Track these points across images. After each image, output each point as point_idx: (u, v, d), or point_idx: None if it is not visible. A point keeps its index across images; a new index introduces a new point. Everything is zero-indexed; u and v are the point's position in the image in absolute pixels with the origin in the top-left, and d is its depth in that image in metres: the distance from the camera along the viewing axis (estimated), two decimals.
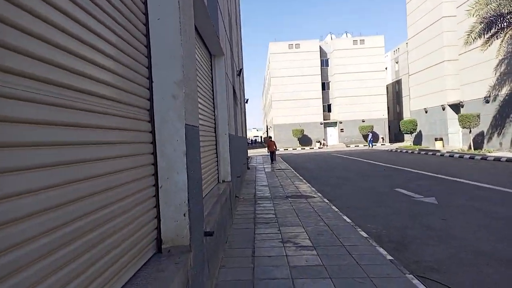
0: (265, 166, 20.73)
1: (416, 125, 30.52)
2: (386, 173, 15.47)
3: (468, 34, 19.59)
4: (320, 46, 50.76)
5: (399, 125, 55.74)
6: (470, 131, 21.92)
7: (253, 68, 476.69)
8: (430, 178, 13.28)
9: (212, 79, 7.44)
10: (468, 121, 21.50)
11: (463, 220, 7.08)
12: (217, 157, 7.55)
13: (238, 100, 12.34)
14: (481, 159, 19.05)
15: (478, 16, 18.96)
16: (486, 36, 19.13)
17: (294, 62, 49.22)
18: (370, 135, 44.34)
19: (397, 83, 56.11)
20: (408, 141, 49.03)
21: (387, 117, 50.43)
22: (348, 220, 7.05)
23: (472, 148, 22.05)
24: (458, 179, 12.43)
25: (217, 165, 7.58)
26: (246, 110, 20.89)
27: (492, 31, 18.76)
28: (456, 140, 27.36)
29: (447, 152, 23.41)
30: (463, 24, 24.21)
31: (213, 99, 7.53)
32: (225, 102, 7.66)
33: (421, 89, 31.13)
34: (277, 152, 24.85)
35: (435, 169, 15.70)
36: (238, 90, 13.01)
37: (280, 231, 6.42)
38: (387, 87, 52.06)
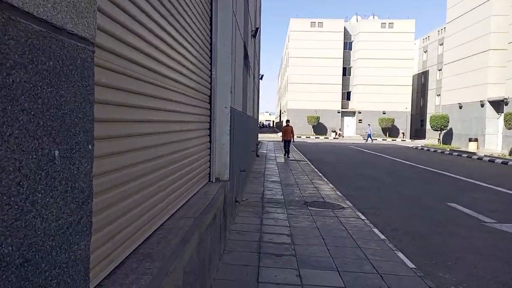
0: (276, 155, 18.00)
1: (448, 122, 27.33)
2: (424, 177, 12.64)
3: None
4: (344, 27, 47.10)
5: (421, 120, 52.44)
6: None
7: (270, 48, 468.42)
8: (484, 189, 10.45)
9: (210, 16, 4.73)
10: None
11: None
12: (210, 141, 4.92)
13: (250, 69, 9.57)
14: None
15: None
16: None
17: (316, 42, 45.75)
18: (369, 128, 38.88)
19: (423, 75, 52.30)
20: (430, 138, 45.72)
21: (410, 110, 46.99)
22: (407, 262, 4.37)
23: None
24: None
25: (210, 154, 4.96)
26: (259, 90, 18.06)
27: None
28: (493, 142, 24.21)
29: (485, 155, 20.37)
30: None
31: (210, 50, 4.83)
32: (229, 58, 4.95)
33: (456, 81, 27.77)
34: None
35: (482, 177, 12.82)
36: (252, 56, 10.22)
37: (300, 278, 3.77)
38: (412, 78, 48.37)
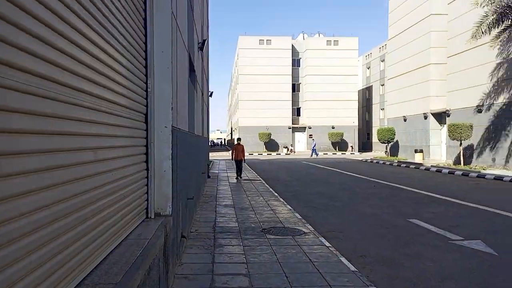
0: (229, 175, 17.18)
1: (394, 134, 28.22)
2: (379, 192, 12.46)
3: (478, 26, 17.04)
4: (292, 44, 48.00)
5: (368, 133, 54.39)
6: (461, 144, 19.61)
7: (219, 66, 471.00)
8: (440, 202, 10.38)
9: (144, 17, 3.96)
10: (459, 132, 19.15)
11: None
12: (147, 169, 4.07)
13: (198, 85, 8.79)
14: (478, 176, 16.63)
15: (489, 5, 16.51)
16: (498, 29, 16.66)
17: (265, 59, 46.06)
18: (314, 142, 38.53)
19: (368, 90, 54.61)
20: (377, 150, 47.38)
21: (357, 124, 48.51)
22: None
23: (462, 163, 19.75)
24: (480, 206, 9.57)
25: (147, 185, 4.10)
26: (209, 108, 17.27)
27: (505, 24, 16.32)
28: (438, 152, 25.24)
29: (432, 166, 21.05)
30: (454, 22, 22.09)
31: (145, 58, 4.03)
32: (168, 68, 4.17)
33: (400, 95, 28.92)
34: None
35: (434, 189, 12.92)
36: (200, 71, 9.45)
37: None
38: (358, 93, 50.18)
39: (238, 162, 15.39)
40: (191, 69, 7.55)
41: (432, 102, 24.97)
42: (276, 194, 11.19)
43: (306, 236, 6.25)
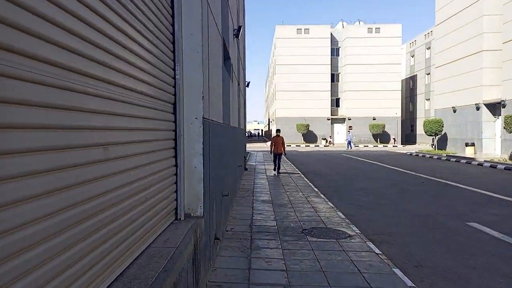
0: (266, 167, 16.69)
1: (442, 126, 26.42)
2: (429, 189, 11.48)
3: None
4: (331, 33, 46.42)
5: (411, 125, 51.83)
6: None
7: (256, 56, 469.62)
8: (500, 202, 9.31)
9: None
10: None
11: None
12: (176, 165, 3.65)
13: (234, 74, 8.30)
14: None
15: None
16: None
17: (302, 49, 44.90)
18: (350, 134, 37.35)
19: (412, 79, 51.89)
20: (421, 143, 45.03)
21: (400, 116, 46.29)
22: None
23: None
24: None
25: (176, 183, 3.69)
26: (246, 98, 16.81)
27: None
28: (491, 146, 23.30)
29: (485, 161, 19.41)
30: (510, 5, 20.09)
31: (173, 42, 3.59)
32: (198, 52, 3.70)
33: (449, 85, 26.96)
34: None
35: (492, 187, 11.74)
36: (236, 59, 8.96)
37: None
38: (400, 83, 47.77)
39: (278, 156, 14.22)
40: (226, 57, 7.07)
41: (485, 92, 23.00)
42: (316, 189, 10.57)
43: (352, 240, 5.63)
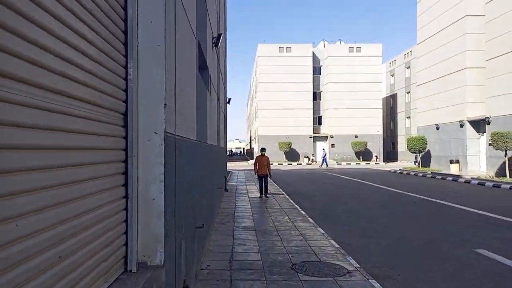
0: (248, 188, 15.73)
1: (426, 143, 26.18)
2: (423, 210, 10.77)
3: None
4: (313, 52, 46.57)
5: (392, 143, 52.05)
6: (506, 154, 17.59)
7: (238, 74, 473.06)
8: (502, 224, 8.66)
9: None
10: (504, 141, 17.17)
11: None
12: (126, 197, 2.68)
13: (212, 86, 7.45)
14: None
15: None
16: None
17: (284, 67, 44.75)
18: (324, 152, 36.87)
19: (392, 98, 52.49)
20: (403, 160, 45.08)
21: (382, 133, 46.37)
22: None
23: (508, 175, 17.69)
24: None
25: (126, 221, 2.70)
26: (227, 116, 15.96)
27: None
28: (476, 163, 23.07)
29: (472, 178, 19.04)
30: (493, 23, 20.20)
31: (125, 32, 2.68)
32: (160, 45, 2.82)
33: (432, 102, 26.89)
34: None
35: (487, 206, 11.13)
36: (215, 70, 8.12)
37: None
38: (382, 101, 48.09)
39: (263, 178, 12.61)
40: (203, 65, 6.23)
41: (469, 109, 22.91)
42: (303, 212, 9.69)
43: (353, 278, 4.73)
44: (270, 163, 13.18)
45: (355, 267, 5.17)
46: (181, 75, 3.55)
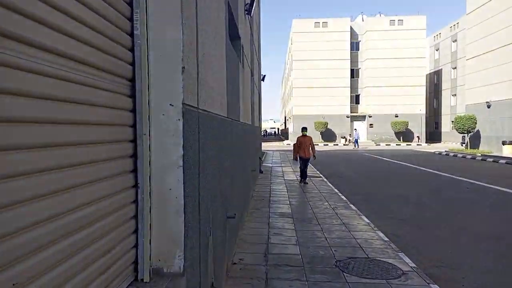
0: (284, 169, 15.09)
1: (475, 123, 24.24)
2: (479, 197, 9.69)
3: None
4: (351, 26, 44.33)
5: (436, 122, 49.24)
6: None
7: (272, 53, 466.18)
8: None
9: None
10: None
11: None
12: (135, 186, 2.03)
13: (245, 57, 6.74)
14: None
15: None
16: None
17: (321, 43, 42.97)
18: (356, 133, 35.48)
19: (436, 74, 49.32)
20: (447, 141, 42.57)
21: (424, 112, 43.88)
22: None
23: None
24: None
25: (136, 217, 2.06)
26: (261, 94, 15.22)
27: None
28: None
29: None
30: None
31: None
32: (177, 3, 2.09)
33: (483, 78, 24.70)
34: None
35: None
36: (248, 40, 7.39)
37: None
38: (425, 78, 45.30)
39: (305, 162, 11.12)
40: (234, 34, 5.53)
41: None
42: (343, 198, 8.93)
43: (409, 281, 3.99)
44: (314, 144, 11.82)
45: (411, 267, 4.41)
46: (206, 38, 2.87)
